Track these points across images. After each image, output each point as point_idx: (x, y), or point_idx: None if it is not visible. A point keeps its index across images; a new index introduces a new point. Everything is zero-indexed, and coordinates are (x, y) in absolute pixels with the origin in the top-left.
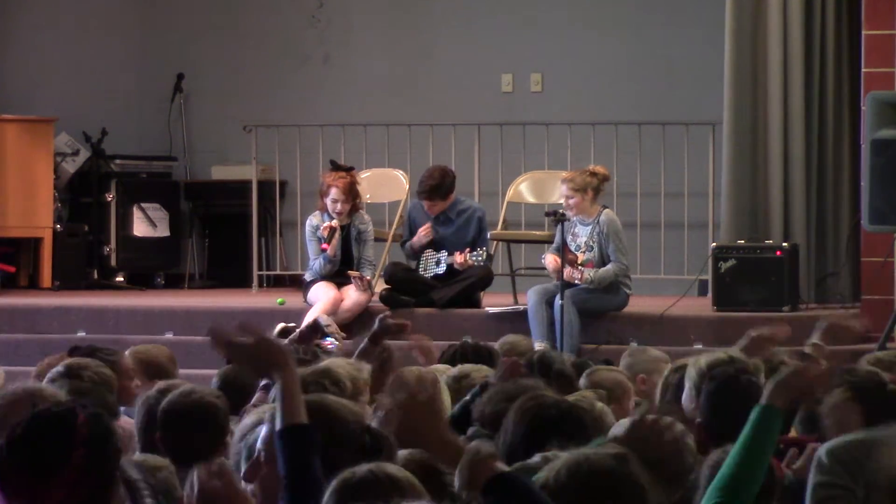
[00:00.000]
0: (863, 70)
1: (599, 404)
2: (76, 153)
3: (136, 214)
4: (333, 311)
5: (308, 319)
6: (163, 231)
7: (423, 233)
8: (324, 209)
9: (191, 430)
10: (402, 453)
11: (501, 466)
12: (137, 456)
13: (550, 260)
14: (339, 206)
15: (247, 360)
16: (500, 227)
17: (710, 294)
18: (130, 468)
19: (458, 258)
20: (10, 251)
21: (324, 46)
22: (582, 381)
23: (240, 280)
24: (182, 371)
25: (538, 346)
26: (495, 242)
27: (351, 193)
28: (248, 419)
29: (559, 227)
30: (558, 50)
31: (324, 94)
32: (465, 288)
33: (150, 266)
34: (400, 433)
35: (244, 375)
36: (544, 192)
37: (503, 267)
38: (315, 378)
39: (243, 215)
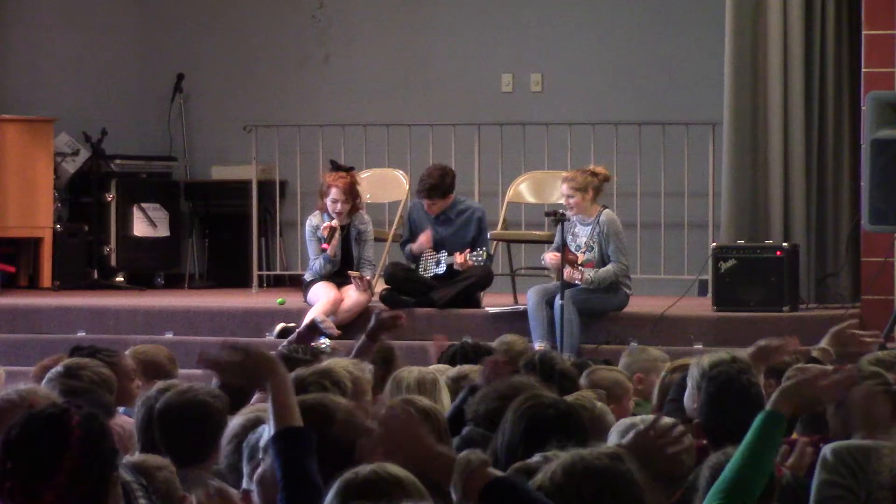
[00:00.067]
0: (863, 70)
1: (600, 404)
2: (76, 153)
3: (136, 214)
4: (333, 311)
5: (307, 320)
6: (163, 231)
7: (425, 241)
8: (324, 209)
9: (185, 428)
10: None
11: (494, 472)
12: (138, 456)
13: (550, 256)
14: (339, 206)
15: (238, 377)
16: (500, 227)
17: (710, 294)
18: (123, 469)
19: (458, 258)
20: (10, 251)
21: (324, 46)
22: (581, 381)
23: (240, 280)
24: (182, 371)
25: (538, 346)
26: (495, 242)
27: (351, 193)
28: (236, 420)
29: (559, 227)
30: (558, 50)
31: (324, 94)
32: (465, 288)
33: (150, 266)
34: (387, 455)
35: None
36: (544, 192)
37: (503, 267)
38: (316, 378)
39: (243, 215)
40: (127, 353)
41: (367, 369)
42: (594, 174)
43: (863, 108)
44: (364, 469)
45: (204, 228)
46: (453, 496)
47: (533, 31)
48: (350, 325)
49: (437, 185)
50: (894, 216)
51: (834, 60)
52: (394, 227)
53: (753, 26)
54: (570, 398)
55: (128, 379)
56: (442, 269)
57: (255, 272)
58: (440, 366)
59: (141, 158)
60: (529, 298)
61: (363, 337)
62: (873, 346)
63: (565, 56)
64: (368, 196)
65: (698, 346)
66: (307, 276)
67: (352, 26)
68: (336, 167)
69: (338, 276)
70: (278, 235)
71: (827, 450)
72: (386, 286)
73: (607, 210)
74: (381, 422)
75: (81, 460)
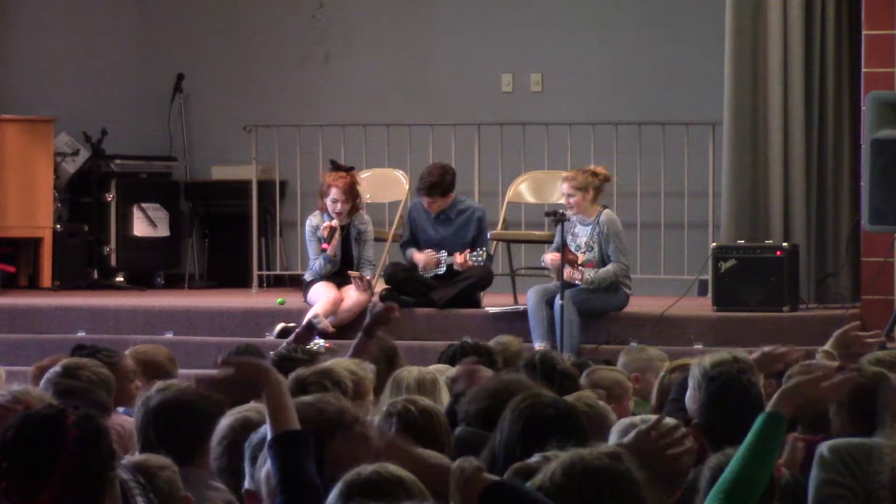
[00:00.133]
0: (863, 70)
1: (602, 403)
2: (76, 153)
3: (136, 214)
4: (333, 312)
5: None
6: (163, 231)
7: (431, 261)
8: (324, 209)
9: (178, 425)
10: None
11: (490, 477)
12: (140, 456)
13: (551, 257)
14: (339, 206)
15: (235, 390)
16: (500, 227)
17: (710, 294)
18: (121, 469)
19: (458, 259)
20: (10, 251)
21: (324, 46)
22: (581, 381)
23: (240, 280)
24: (182, 371)
25: (538, 346)
26: (495, 242)
27: (351, 193)
28: (224, 421)
29: (559, 227)
30: (558, 50)
31: (324, 94)
32: (465, 288)
33: (150, 266)
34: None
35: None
36: (544, 192)
37: (503, 267)
38: (316, 378)
39: (243, 215)
40: (127, 353)
41: (368, 370)
42: (595, 174)
43: (863, 108)
44: (366, 469)
45: (204, 228)
46: None
47: (533, 31)
48: (350, 325)
49: (437, 182)
50: (894, 216)
51: (834, 60)
52: (394, 227)
53: (753, 26)
54: (571, 397)
55: (127, 379)
56: (442, 269)
57: (255, 272)
58: (440, 366)
59: (141, 158)
60: (529, 298)
61: (360, 334)
62: (874, 346)
63: (565, 56)
64: (368, 196)
65: (698, 346)
66: (307, 276)
67: (352, 26)
68: (336, 167)
69: (338, 276)
70: (278, 235)
71: (824, 448)
72: (386, 286)
73: (607, 210)
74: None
75: (77, 460)
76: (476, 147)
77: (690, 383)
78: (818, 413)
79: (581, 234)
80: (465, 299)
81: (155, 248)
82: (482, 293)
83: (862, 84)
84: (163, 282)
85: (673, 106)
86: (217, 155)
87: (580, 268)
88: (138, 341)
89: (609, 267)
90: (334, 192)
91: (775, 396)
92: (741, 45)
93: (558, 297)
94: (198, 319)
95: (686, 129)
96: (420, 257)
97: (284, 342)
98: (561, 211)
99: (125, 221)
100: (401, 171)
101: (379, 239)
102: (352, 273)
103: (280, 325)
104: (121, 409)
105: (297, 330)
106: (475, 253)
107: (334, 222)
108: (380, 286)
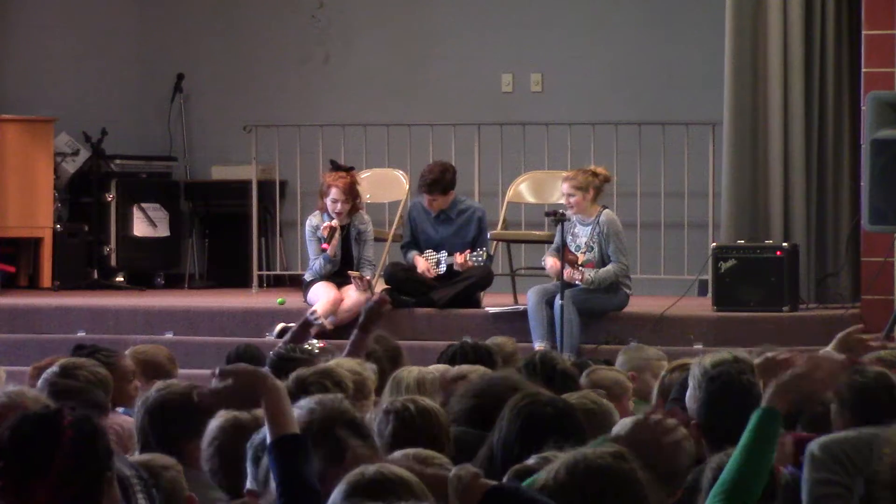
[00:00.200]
0: (863, 70)
1: (606, 401)
2: (76, 153)
3: (136, 214)
4: (333, 312)
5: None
6: (163, 231)
7: (429, 272)
8: (324, 209)
9: (175, 425)
10: (396, 455)
11: (487, 482)
12: (145, 456)
13: (551, 263)
14: (339, 206)
15: (235, 401)
16: (500, 227)
17: (710, 294)
18: (122, 464)
19: (459, 259)
20: (10, 251)
21: (324, 46)
22: (582, 381)
23: (240, 280)
24: (182, 371)
25: (538, 346)
26: (495, 242)
27: (351, 193)
28: (214, 422)
29: (559, 227)
30: (558, 50)
31: (324, 94)
32: (465, 288)
33: (150, 266)
34: None
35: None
36: (544, 192)
37: (503, 267)
38: (317, 378)
39: (243, 215)
40: (127, 353)
41: (370, 370)
42: (595, 174)
43: (863, 108)
44: (369, 469)
45: (204, 228)
46: None
47: (533, 31)
48: (350, 325)
49: (437, 180)
50: (894, 216)
51: (834, 60)
52: (394, 227)
53: (753, 26)
54: (575, 396)
55: (126, 379)
56: (442, 269)
57: (255, 272)
58: (440, 366)
59: (141, 158)
60: (529, 298)
61: (355, 331)
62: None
63: (565, 56)
64: (368, 196)
65: (698, 346)
66: (307, 276)
67: (352, 26)
68: (336, 167)
69: (338, 276)
70: (278, 235)
71: (814, 446)
72: (386, 286)
73: (607, 210)
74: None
75: (73, 460)
76: (476, 147)
77: (690, 383)
78: (814, 405)
79: (581, 235)
80: (465, 299)
81: (155, 248)
82: (482, 293)
83: (862, 84)
84: (163, 282)
85: (673, 106)
86: (217, 155)
87: (580, 268)
88: (138, 341)
89: (609, 267)
90: (334, 192)
91: (768, 391)
92: (741, 45)
93: (558, 297)
94: (198, 319)
95: (686, 129)
96: (420, 264)
97: (281, 341)
98: (561, 211)
99: (125, 221)
100: (401, 171)
101: (379, 239)
102: (352, 273)
103: (280, 325)
104: (120, 409)
105: (293, 329)
106: (475, 253)
107: (334, 222)
108: (380, 286)
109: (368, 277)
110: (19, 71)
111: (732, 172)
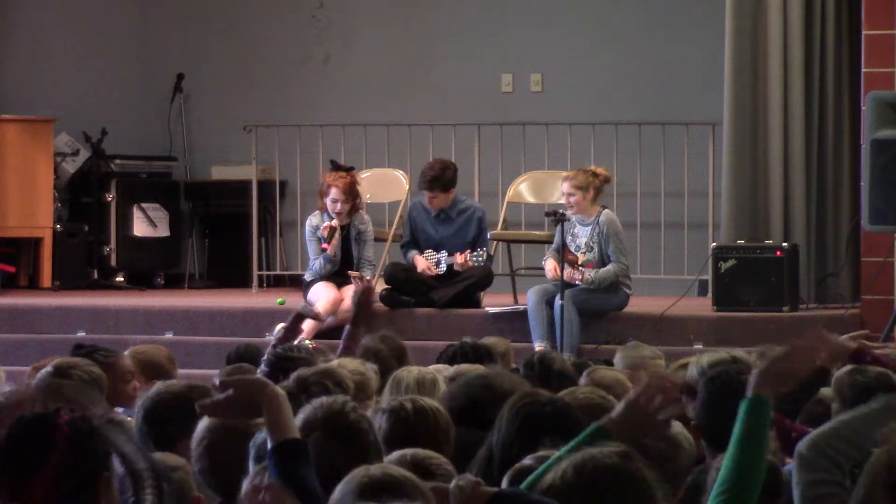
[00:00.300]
0: (863, 70)
1: (611, 397)
2: (76, 153)
3: (136, 214)
4: (333, 312)
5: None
6: (163, 231)
7: (429, 269)
8: (324, 209)
9: (166, 422)
10: (394, 456)
11: (489, 490)
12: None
13: (550, 268)
14: (339, 206)
15: (237, 411)
16: (500, 227)
17: (710, 294)
18: (139, 458)
19: (459, 259)
20: (10, 251)
21: (324, 46)
22: (581, 381)
23: (240, 280)
24: (182, 371)
25: (538, 346)
26: (495, 242)
27: (351, 193)
28: (202, 423)
29: (559, 227)
30: (558, 50)
31: (324, 94)
32: (465, 288)
33: (150, 266)
34: None
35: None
36: (544, 192)
37: (503, 267)
38: (317, 378)
39: (243, 215)
40: (126, 353)
41: (371, 370)
42: (595, 174)
43: (863, 108)
44: (373, 469)
45: (204, 228)
46: None
47: (533, 31)
48: None
49: (438, 177)
50: (894, 216)
51: (834, 60)
52: (394, 227)
53: (753, 26)
54: (580, 394)
55: (123, 379)
56: (442, 269)
57: (255, 272)
58: (439, 366)
59: (141, 158)
60: (529, 298)
61: (348, 325)
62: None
63: (565, 56)
64: (368, 196)
65: (698, 346)
66: (307, 276)
67: (352, 26)
68: (336, 167)
69: (338, 276)
70: (278, 235)
71: (801, 446)
72: (386, 286)
73: (607, 210)
74: None
75: (69, 458)
76: (476, 147)
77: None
78: (819, 414)
79: (581, 235)
80: (465, 299)
81: (155, 248)
82: (482, 293)
83: (862, 84)
84: (163, 282)
85: (673, 106)
86: (217, 155)
87: (580, 268)
88: (138, 341)
89: (609, 267)
90: (334, 192)
91: (752, 379)
92: (741, 45)
93: (558, 297)
94: (198, 319)
95: (686, 129)
96: (420, 263)
97: (273, 340)
98: (561, 211)
99: (125, 221)
100: (401, 171)
101: (379, 239)
102: (352, 273)
103: (280, 326)
104: (119, 410)
105: (285, 325)
106: (475, 253)
107: (334, 222)
108: (380, 286)
109: (368, 277)
110: (19, 71)
111: (732, 172)
